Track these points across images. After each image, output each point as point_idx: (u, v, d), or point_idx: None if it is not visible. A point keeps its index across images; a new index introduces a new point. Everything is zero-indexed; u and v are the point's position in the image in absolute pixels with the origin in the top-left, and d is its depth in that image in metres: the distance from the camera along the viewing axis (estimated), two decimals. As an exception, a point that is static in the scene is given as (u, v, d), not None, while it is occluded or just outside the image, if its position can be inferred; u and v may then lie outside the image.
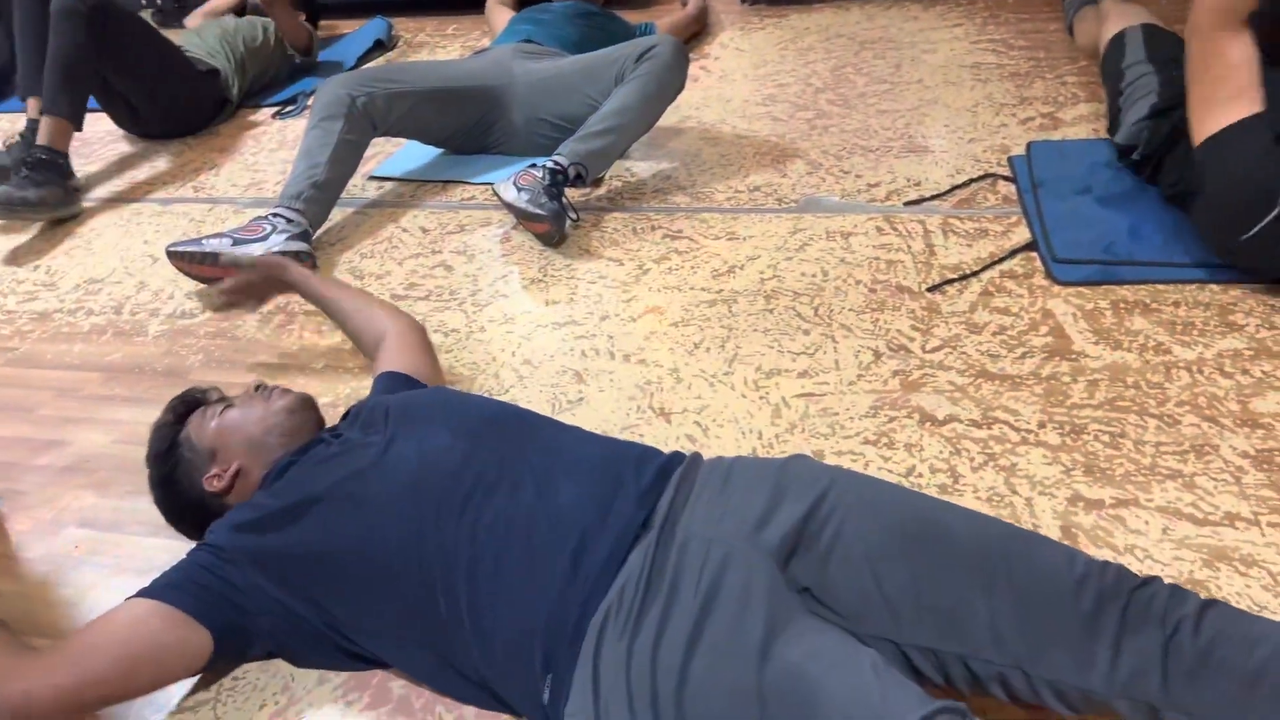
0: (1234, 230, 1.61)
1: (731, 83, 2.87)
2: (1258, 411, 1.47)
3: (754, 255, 2.02)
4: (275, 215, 2.14)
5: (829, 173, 2.30)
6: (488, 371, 1.78)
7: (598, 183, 2.38)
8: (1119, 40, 2.18)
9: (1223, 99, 1.59)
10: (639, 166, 2.44)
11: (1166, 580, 1.01)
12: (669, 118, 2.66)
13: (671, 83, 2.28)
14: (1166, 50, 2.04)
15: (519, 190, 2.07)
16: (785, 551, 1.02)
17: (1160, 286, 1.75)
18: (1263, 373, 1.54)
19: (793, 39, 3.13)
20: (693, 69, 2.97)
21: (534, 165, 2.14)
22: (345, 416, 1.37)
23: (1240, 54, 1.55)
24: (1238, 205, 1.59)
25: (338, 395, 1.75)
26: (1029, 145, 2.23)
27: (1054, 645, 0.92)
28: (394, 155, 2.62)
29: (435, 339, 1.86)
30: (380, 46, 3.41)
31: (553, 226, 2.07)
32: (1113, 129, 2.08)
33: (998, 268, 1.87)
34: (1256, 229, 1.56)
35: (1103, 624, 0.92)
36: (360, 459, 1.20)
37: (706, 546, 1.04)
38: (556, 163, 2.13)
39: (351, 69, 3.14)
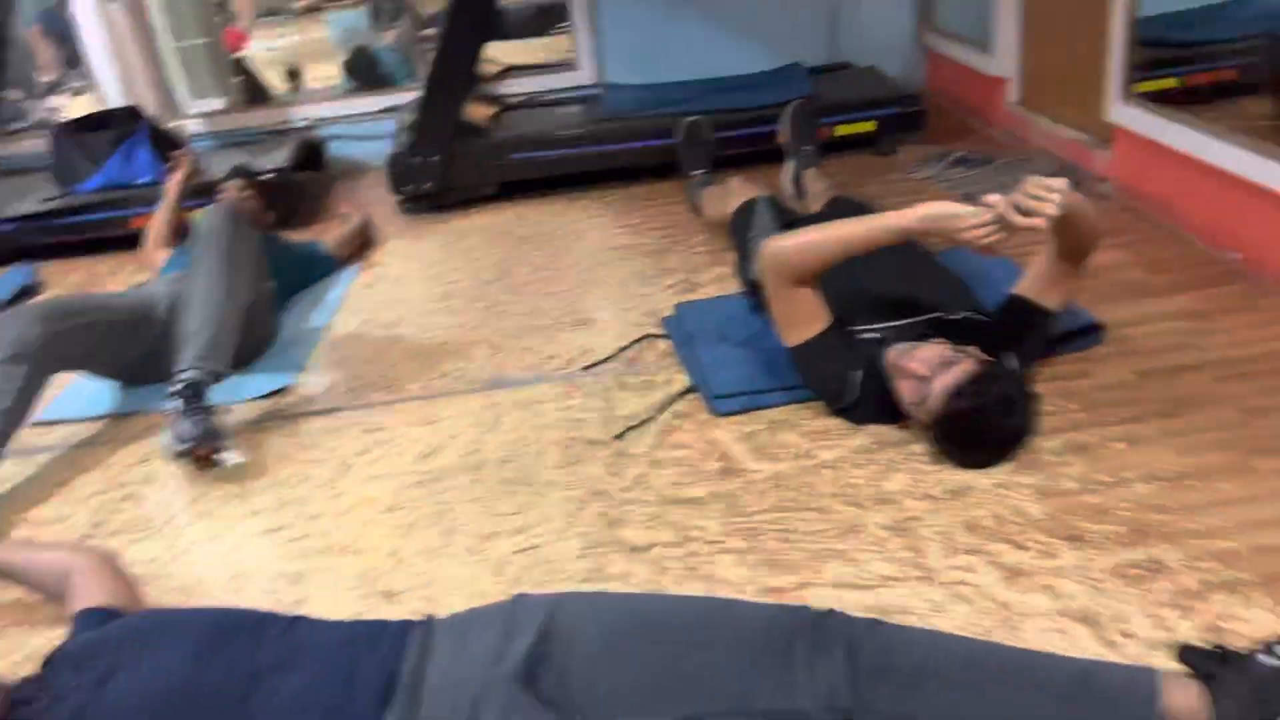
0: (835, 404, 2.00)
1: (406, 284, 3.05)
2: (888, 490, 1.79)
3: (454, 434, 2.15)
4: None
5: (510, 352, 2.51)
6: (197, 592, 1.74)
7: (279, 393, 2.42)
8: (748, 205, 2.63)
9: (800, 322, 2.01)
10: (327, 372, 2.51)
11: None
12: (350, 323, 2.78)
13: (228, 238, 2.38)
14: (786, 214, 2.52)
15: (169, 438, 2.07)
16: (526, 675, 1.12)
17: (797, 406, 2.07)
18: (887, 460, 1.87)
19: (456, 240, 3.39)
20: (367, 276, 3.12)
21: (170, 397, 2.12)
22: (49, 664, 1.31)
23: (804, 293, 1.99)
24: (830, 394, 2.02)
25: (33, 650, 1.63)
26: (676, 306, 2.58)
27: (762, 680, 1.09)
28: (61, 395, 2.50)
29: (136, 571, 1.78)
30: (26, 293, 3.26)
31: (210, 447, 2.05)
32: (743, 272, 2.48)
33: (669, 410, 2.13)
34: (845, 406, 1.99)
35: (796, 653, 1.10)
36: (75, 701, 1.16)
37: (454, 691, 1.12)
38: (185, 383, 2.12)
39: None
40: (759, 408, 2.10)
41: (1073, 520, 1.65)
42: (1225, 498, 1.65)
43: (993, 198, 1.71)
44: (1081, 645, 1.39)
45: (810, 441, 1.96)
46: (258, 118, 4.35)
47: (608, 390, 2.26)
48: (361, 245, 3.35)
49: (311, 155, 3.98)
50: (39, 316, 2.19)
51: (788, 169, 3.10)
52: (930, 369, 1.80)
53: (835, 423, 2.01)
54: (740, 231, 2.59)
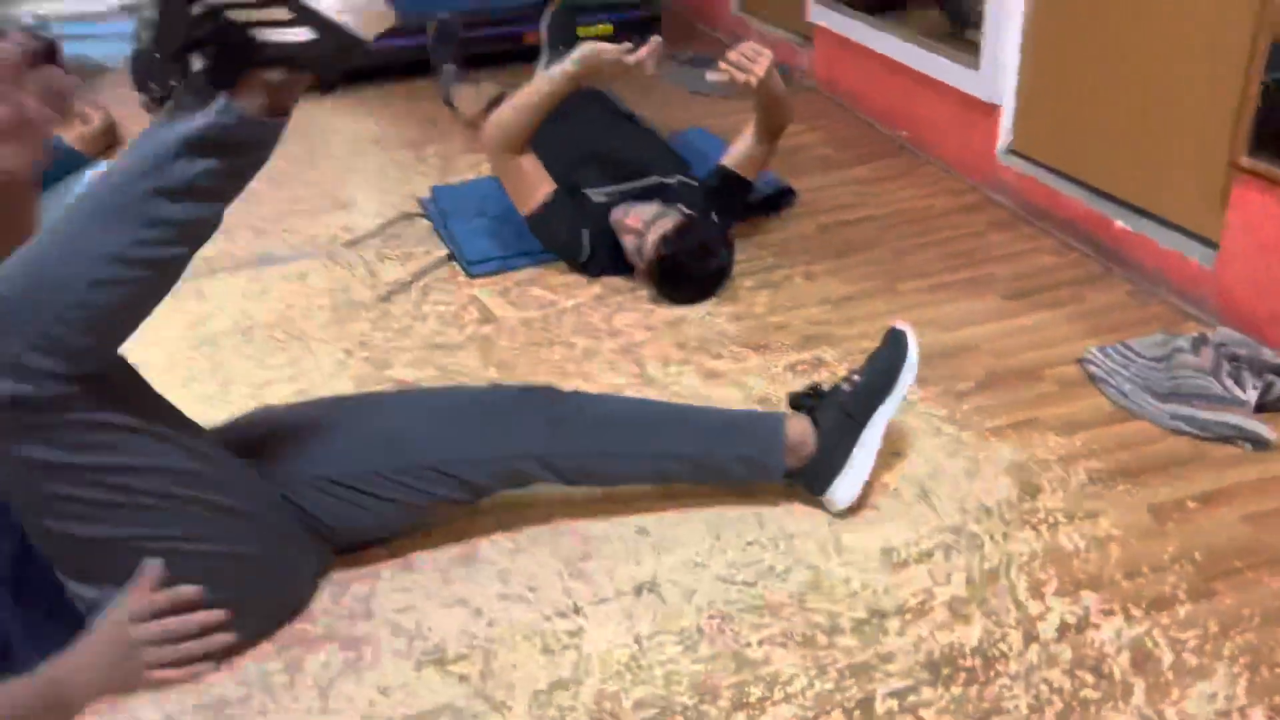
0: (572, 262, 2.31)
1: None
2: (618, 325, 2.12)
3: (222, 305, 2.29)
4: None
5: (273, 234, 2.64)
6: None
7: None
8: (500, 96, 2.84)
9: (527, 190, 2.27)
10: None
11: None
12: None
13: None
14: None
15: None
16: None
17: (543, 268, 2.36)
18: (617, 303, 2.20)
19: (209, 138, 3.41)
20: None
21: None
22: None
23: (522, 162, 2.25)
24: (566, 252, 2.31)
25: None
26: (432, 189, 2.79)
27: (464, 439, 1.43)
28: None
29: None
30: None
31: None
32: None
33: (429, 275, 2.36)
34: (581, 262, 2.29)
35: (505, 415, 1.44)
36: None
37: None
38: None
39: None
40: (510, 270, 2.37)
41: (759, 335, 2.05)
42: (874, 311, 2.10)
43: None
44: (760, 419, 1.78)
45: (553, 294, 2.26)
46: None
47: (370, 262, 2.46)
48: (107, 144, 3.31)
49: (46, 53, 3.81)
50: None
51: (540, 66, 3.34)
52: (644, 224, 2.14)
53: (575, 278, 2.31)
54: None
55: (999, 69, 2.42)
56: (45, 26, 4.12)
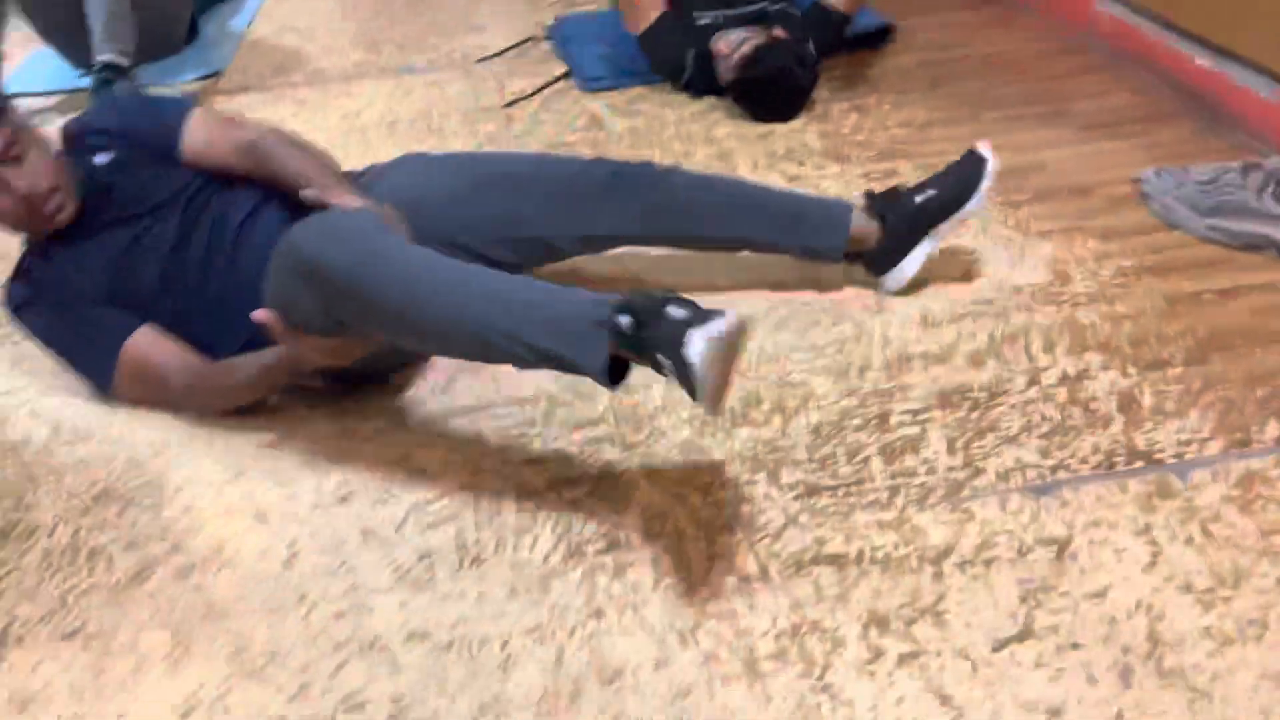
0: (676, 81, 2.52)
1: (311, 1, 3.40)
2: (715, 134, 2.35)
3: (370, 103, 2.62)
4: None
5: (413, 49, 2.94)
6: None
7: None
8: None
9: (641, 10, 2.48)
10: (251, 62, 2.91)
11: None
12: (265, 29, 3.14)
13: None
14: None
15: None
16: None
17: (653, 88, 2.59)
18: (716, 118, 2.43)
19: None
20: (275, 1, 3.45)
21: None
22: None
23: None
24: (671, 72, 2.52)
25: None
26: (556, 17, 3.03)
27: (584, 211, 1.68)
28: (19, 67, 2.82)
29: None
30: None
31: None
32: None
33: (549, 89, 2.63)
34: (684, 82, 2.50)
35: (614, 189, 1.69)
36: None
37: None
38: (101, 64, 2.50)
39: None
40: (621, 89, 2.61)
41: (841, 148, 2.26)
42: (952, 135, 2.27)
43: None
44: (831, 214, 2.01)
45: (659, 108, 2.50)
46: None
47: (499, 76, 2.74)
48: None
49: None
50: None
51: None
52: (731, 48, 2.35)
53: (680, 97, 2.54)
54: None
55: (1104, -88, 2.50)
56: None
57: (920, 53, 2.69)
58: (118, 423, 1.58)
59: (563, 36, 2.89)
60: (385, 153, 2.34)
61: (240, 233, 1.57)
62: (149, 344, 1.53)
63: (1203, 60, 2.25)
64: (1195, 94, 2.28)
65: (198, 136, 1.61)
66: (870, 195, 1.75)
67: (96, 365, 1.55)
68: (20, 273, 1.58)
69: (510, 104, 2.56)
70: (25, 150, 1.45)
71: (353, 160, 2.31)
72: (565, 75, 2.70)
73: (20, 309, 1.57)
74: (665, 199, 1.72)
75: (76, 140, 1.60)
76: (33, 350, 1.63)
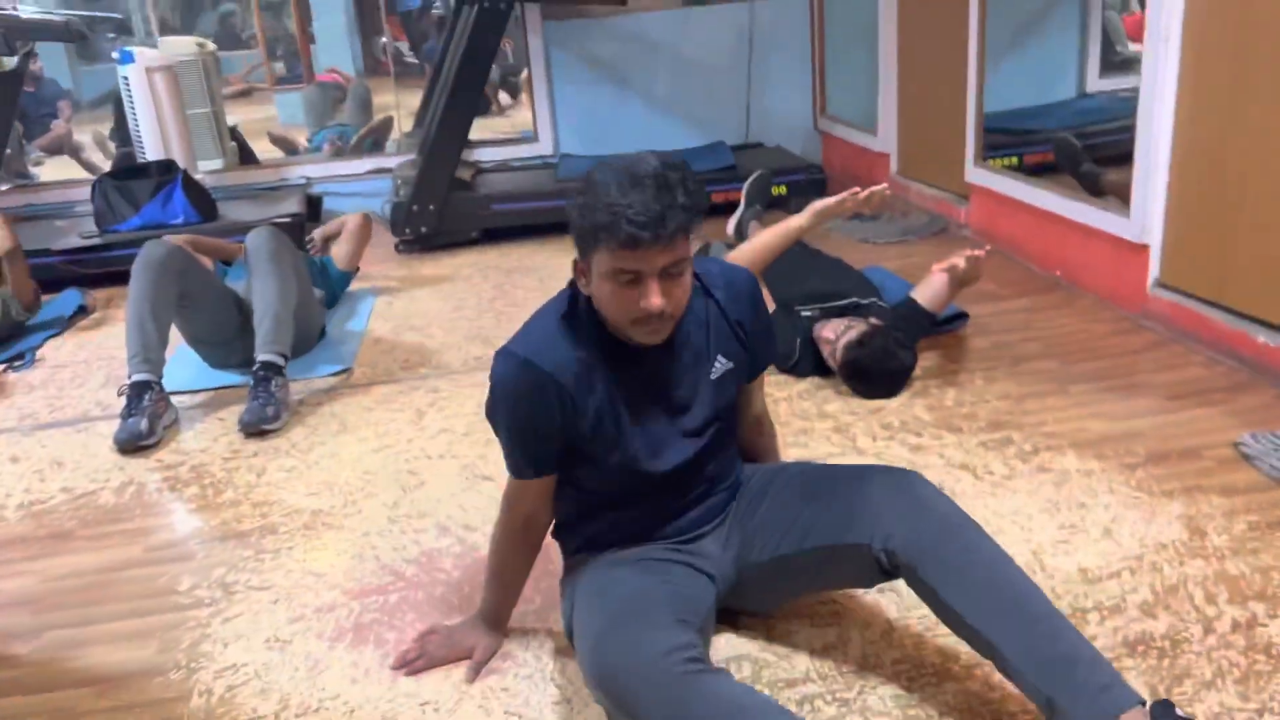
0: (784, 364, 2.78)
1: (421, 302, 3.73)
2: (828, 410, 2.56)
3: (500, 392, 2.84)
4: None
5: (525, 343, 3.21)
6: (337, 485, 2.36)
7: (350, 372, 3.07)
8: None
9: None
10: (379, 358, 3.17)
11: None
12: (384, 328, 3.44)
13: (275, 247, 2.95)
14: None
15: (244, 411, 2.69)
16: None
17: (757, 367, 2.84)
18: (824, 395, 2.65)
19: (453, 272, 4.09)
20: (386, 297, 3.78)
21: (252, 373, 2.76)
22: None
23: None
24: (781, 356, 2.73)
25: (226, 517, 2.23)
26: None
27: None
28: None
29: (278, 476, 2.41)
30: (82, 310, 3.79)
31: (258, 429, 2.65)
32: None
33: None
34: (791, 364, 2.76)
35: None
36: None
37: None
38: (262, 363, 2.75)
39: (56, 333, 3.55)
40: (727, 372, 2.86)
41: (951, 420, 2.46)
42: (1049, 405, 2.49)
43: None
44: (963, 481, 2.17)
45: (771, 389, 2.73)
46: (262, 174, 5.07)
47: (610, 364, 2.99)
48: (360, 243, 3.73)
49: (313, 206, 4.64)
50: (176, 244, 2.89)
51: (735, 218, 3.94)
52: (837, 334, 2.62)
53: (787, 378, 2.78)
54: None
55: (1147, 214, 2.86)
56: (310, 184, 4.99)
57: (994, 335, 2.97)
58: (337, 695, 1.64)
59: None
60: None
61: None
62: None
63: (1265, 338, 2.51)
64: (1263, 367, 2.53)
65: None
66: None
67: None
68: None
69: None
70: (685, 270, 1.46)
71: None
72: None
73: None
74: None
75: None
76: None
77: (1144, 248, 2.91)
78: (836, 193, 2.75)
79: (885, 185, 2.70)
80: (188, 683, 1.71)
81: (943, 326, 3.00)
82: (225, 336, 3.01)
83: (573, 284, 1.55)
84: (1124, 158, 3.37)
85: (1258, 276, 2.56)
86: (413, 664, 1.71)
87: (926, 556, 1.44)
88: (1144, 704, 1.31)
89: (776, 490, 1.67)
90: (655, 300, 1.39)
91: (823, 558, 1.56)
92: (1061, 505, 2.04)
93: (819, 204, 2.68)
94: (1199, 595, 1.73)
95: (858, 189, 2.65)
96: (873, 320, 2.66)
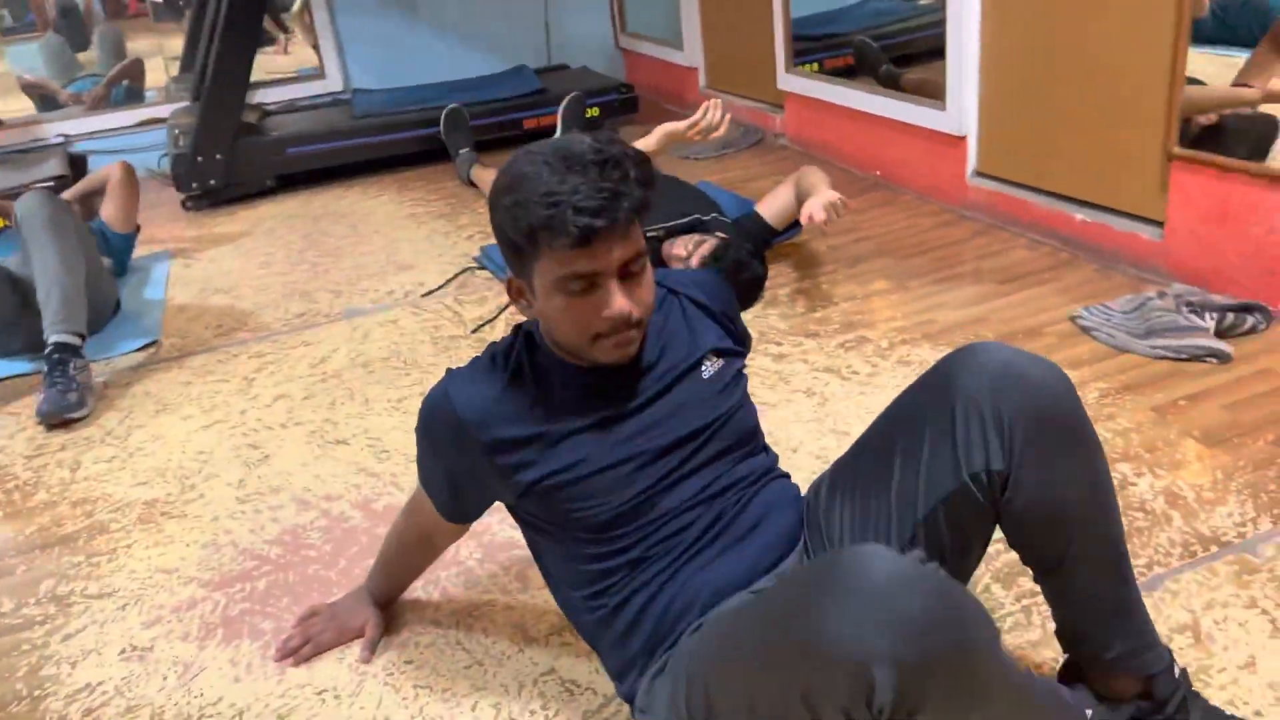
0: None
1: (222, 261, 3.40)
2: (686, 330, 2.51)
3: (334, 348, 2.63)
4: None
5: (352, 293, 2.99)
6: (168, 472, 2.12)
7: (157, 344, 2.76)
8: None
9: None
10: (186, 327, 2.87)
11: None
12: (186, 294, 3.12)
13: (48, 214, 2.60)
14: None
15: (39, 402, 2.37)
16: None
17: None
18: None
19: (253, 226, 3.75)
20: (181, 260, 3.43)
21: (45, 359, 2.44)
22: None
23: None
24: None
25: (41, 522, 1.95)
26: (482, 247, 3.18)
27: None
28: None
29: (97, 469, 2.14)
30: None
31: (60, 419, 2.34)
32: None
33: (507, 311, 2.74)
34: None
35: None
36: None
37: None
38: (54, 345, 2.43)
39: None
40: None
41: (807, 326, 2.47)
42: (894, 302, 2.55)
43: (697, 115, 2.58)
44: (831, 384, 2.18)
45: (620, 314, 2.65)
46: (11, 136, 4.46)
47: (450, 306, 2.83)
48: (129, 197, 3.26)
49: (77, 167, 4.12)
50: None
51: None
52: (688, 250, 2.57)
53: (634, 302, 2.71)
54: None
55: (963, 107, 2.95)
56: (69, 143, 4.45)
57: (827, 240, 3.01)
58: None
59: (498, 264, 3.04)
60: (373, 392, 2.37)
61: None
62: None
63: (1083, 216, 2.65)
64: (1083, 245, 2.67)
65: None
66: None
67: None
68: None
69: (477, 329, 2.65)
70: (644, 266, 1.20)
71: (346, 404, 2.32)
72: (516, 298, 2.82)
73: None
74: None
75: None
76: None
77: (961, 140, 3.01)
78: (648, 112, 2.68)
79: (726, 112, 2.63)
80: (35, 713, 1.49)
81: (779, 237, 3.01)
82: (2, 319, 2.63)
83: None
84: (921, 56, 3.48)
85: (1071, 159, 2.68)
86: (298, 652, 1.55)
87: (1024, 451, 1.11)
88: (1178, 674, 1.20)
89: (844, 480, 1.29)
90: (621, 303, 1.13)
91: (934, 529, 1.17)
92: (929, 396, 2.09)
93: (669, 126, 2.59)
94: (1071, 464, 1.81)
95: (707, 106, 2.57)
96: (719, 235, 2.62)
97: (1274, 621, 1.41)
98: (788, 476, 1.37)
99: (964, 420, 1.13)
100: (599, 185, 1.09)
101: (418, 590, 1.66)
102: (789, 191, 2.73)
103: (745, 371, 1.37)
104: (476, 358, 1.29)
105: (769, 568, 1.24)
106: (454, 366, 1.29)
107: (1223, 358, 2.08)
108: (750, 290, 2.60)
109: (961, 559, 1.22)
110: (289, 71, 5.23)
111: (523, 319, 1.32)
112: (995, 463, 1.12)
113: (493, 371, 1.26)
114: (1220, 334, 2.15)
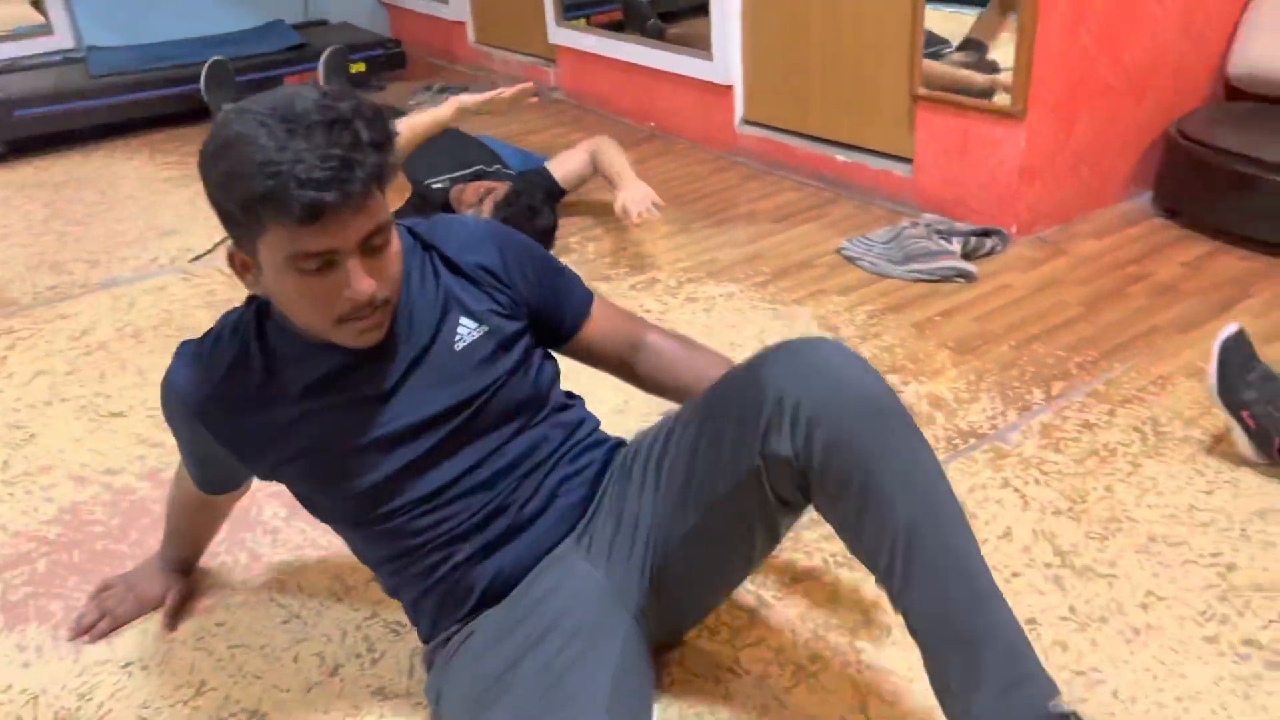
0: None
1: (-51, 236, 3.06)
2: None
3: (96, 319, 2.44)
4: None
5: (110, 262, 2.78)
6: None
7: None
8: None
9: None
10: (-86, 307, 2.57)
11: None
12: (-90, 270, 2.79)
13: None
14: None
15: None
16: None
17: (390, 249, 2.70)
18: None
19: (-20, 198, 3.40)
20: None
21: None
22: None
23: None
24: None
25: None
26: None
27: None
28: None
29: None
30: None
31: None
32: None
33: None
34: None
35: None
36: None
37: None
38: None
39: None
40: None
41: (600, 271, 2.53)
42: (678, 244, 2.65)
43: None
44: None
45: (408, 269, 2.61)
46: None
47: (223, 269, 2.68)
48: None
49: None
50: None
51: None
52: (479, 196, 2.57)
53: (421, 256, 2.68)
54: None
55: (728, 57, 3.08)
56: None
57: (606, 191, 3.07)
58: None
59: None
60: (147, 362, 2.23)
61: None
62: None
63: (842, 156, 2.85)
64: (843, 183, 2.88)
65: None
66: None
67: None
68: None
69: (197, 258, 2.54)
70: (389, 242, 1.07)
71: (117, 376, 2.17)
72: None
73: None
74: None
75: None
76: None
77: (729, 89, 3.15)
78: (416, 67, 2.64)
79: (532, 84, 2.63)
80: None
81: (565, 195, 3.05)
82: None
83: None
84: (687, 11, 3.60)
85: (830, 104, 2.87)
86: (95, 628, 1.46)
87: (834, 444, 1.03)
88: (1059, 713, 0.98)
89: (650, 459, 1.21)
90: (363, 283, 1.01)
91: (738, 501, 1.12)
92: (715, 328, 2.20)
93: (465, 99, 2.53)
94: (847, 379, 1.97)
95: (503, 89, 2.55)
96: (501, 185, 2.63)
97: (1024, 497, 1.61)
98: (594, 440, 1.28)
99: (769, 412, 1.05)
100: (326, 153, 0.95)
101: (220, 555, 1.60)
102: (583, 159, 2.76)
103: (526, 334, 1.23)
104: (208, 330, 1.17)
105: (549, 549, 1.21)
106: (189, 339, 1.18)
107: (969, 277, 2.32)
108: (542, 239, 2.63)
109: (746, 547, 1.18)
110: (4, 29, 4.72)
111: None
112: (785, 450, 1.04)
113: (218, 351, 1.15)
114: (966, 256, 2.39)
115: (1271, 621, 1.33)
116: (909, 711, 1.24)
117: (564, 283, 1.31)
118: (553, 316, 1.28)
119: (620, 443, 1.32)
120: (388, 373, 1.14)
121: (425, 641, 1.26)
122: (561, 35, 3.84)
